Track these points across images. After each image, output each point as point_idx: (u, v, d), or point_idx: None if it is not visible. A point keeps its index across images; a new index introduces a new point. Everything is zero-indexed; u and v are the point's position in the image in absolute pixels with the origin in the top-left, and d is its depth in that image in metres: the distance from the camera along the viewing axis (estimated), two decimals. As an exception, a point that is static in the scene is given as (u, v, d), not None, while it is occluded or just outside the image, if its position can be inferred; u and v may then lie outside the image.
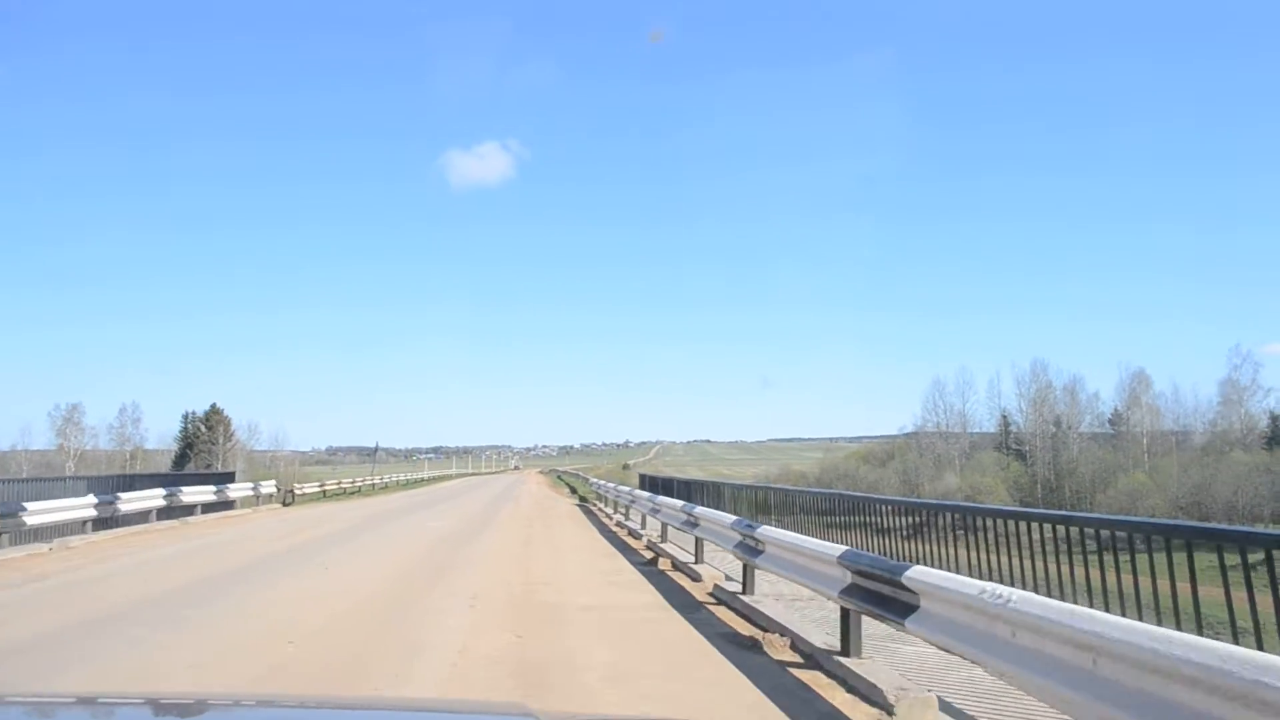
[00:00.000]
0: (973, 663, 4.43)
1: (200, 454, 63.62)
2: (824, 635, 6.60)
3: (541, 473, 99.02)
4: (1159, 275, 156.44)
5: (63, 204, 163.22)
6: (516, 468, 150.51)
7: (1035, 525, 5.18)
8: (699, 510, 11.22)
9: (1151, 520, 6.20)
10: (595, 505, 28.23)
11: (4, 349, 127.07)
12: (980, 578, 6.03)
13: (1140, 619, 3.71)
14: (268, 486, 29.02)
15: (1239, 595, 3.51)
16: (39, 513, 14.32)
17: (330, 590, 9.74)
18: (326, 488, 39.38)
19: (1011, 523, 5.48)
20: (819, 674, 5.85)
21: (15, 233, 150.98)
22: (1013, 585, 5.34)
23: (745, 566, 8.77)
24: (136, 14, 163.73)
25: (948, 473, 63.00)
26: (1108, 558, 4.48)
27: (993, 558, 5.66)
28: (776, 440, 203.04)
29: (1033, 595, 3.68)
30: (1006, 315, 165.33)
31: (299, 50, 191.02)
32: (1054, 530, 5.00)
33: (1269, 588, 3.33)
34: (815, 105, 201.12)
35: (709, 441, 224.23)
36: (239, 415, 76.67)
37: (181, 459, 63.97)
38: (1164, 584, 3.87)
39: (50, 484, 16.99)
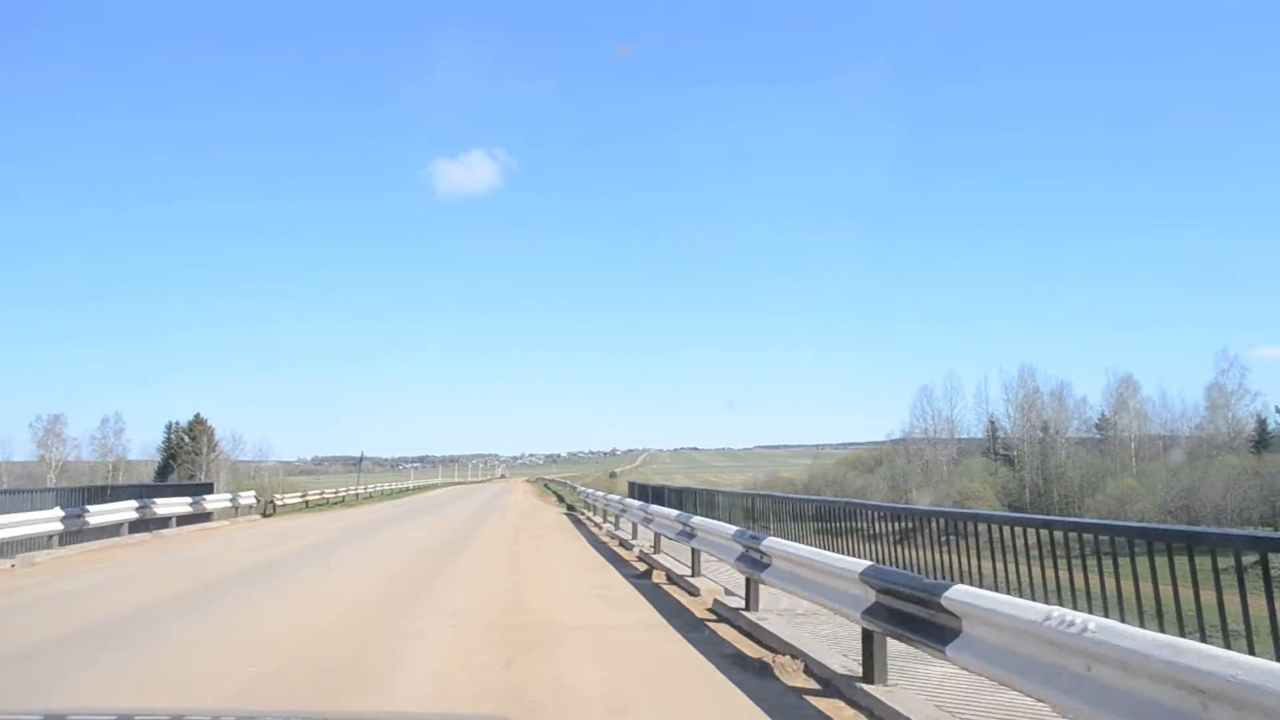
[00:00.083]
0: (1036, 700, 3.85)
1: (184, 465, 62.72)
2: (841, 657, 6.02)
3: (528, 481, 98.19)
4: (1146, 281, 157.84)
5: (45, 216, 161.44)
6: (503, 476, 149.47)
7: (1029, 530, 4.90)
8: (696, 520, 10.61)
9: (1152, 525, 6.00)
10: (584, 514, 27.54)
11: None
12: (973, 584, 5.68)
13: (1141, 624, 3.57)
14: (247, 497, 28.16)
15: (1230, 598, 3.34)
16: (1, 527, 13.61)
17: (299, 611, 9.07)
18: (309, 498, 38.50)
19: (1005, 528, 5.20)
20: (840, 703, 5.26)
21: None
22: (1009, 590, 5.09)
23: (748, 581, 8.18)
24: (120, 26, 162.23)
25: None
26: (1106, 563, 4.29)
27: (984, 563, 5.37)
28: (763, 448, 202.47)
29: (1115, 624, 3.11)
30: (993, 321, 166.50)
31: (283, 60, 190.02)
32: (1051, 535, 4.74)
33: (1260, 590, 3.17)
34: (804, 113, 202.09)
35: (696, 449, 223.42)
36: (224, 426, 75.46)
37: (165, 470, 63.03)
38: (1164, 588, 3.64)
39: (15, 496, 16.20)
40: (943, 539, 6.32)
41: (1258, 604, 3.26)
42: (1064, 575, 4.49)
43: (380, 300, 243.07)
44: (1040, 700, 3.75)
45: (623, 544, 16.56)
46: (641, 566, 12.66)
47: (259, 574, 12.21)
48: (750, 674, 6.01)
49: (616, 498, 21.34)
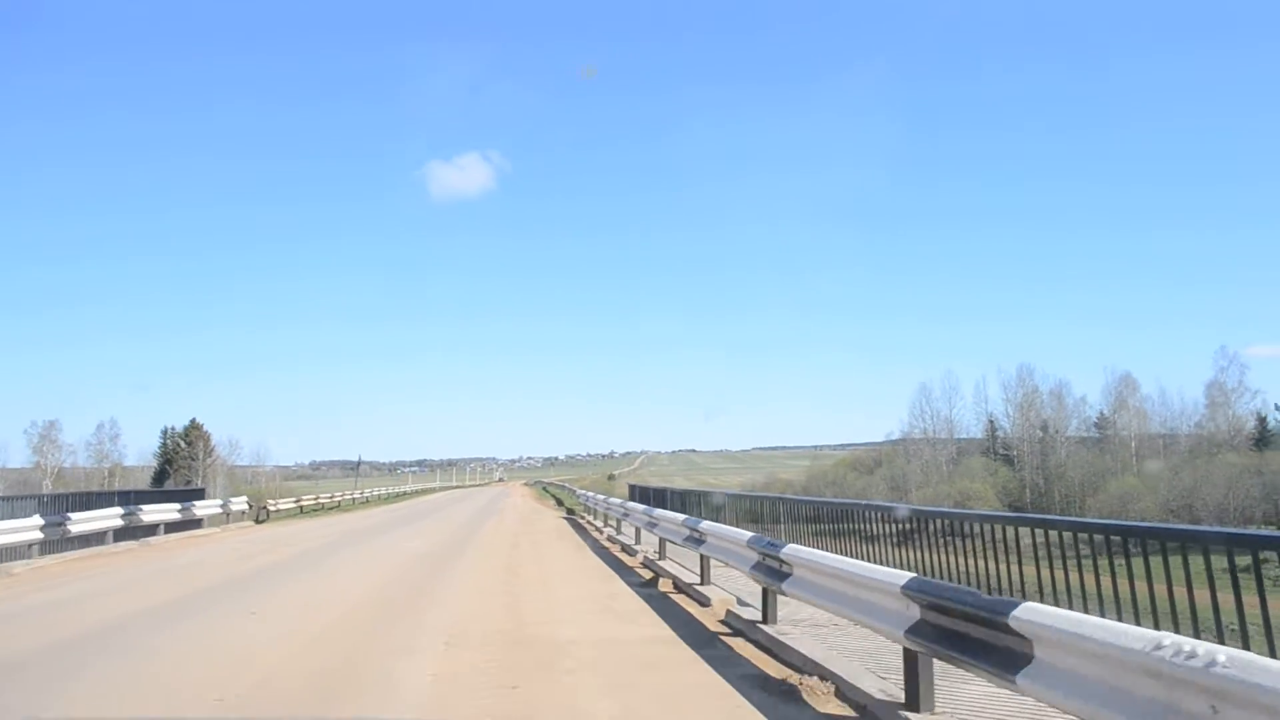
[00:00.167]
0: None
1: (180, 470, 62.15)
2: (877, 679, 5.44)
3: (526, 484, 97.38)
4: (1144, 279, 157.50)
5: (40, 221, 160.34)
6: (501, 480, 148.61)
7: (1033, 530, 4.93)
8: (705, 525, 10.04)
9: (1158, 525, 5.87)
10: (584, 518, 26.90)
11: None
12: (969, 584, 5.37)
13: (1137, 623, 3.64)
14: (238, 503, 27.47)
15: (1225, 597, 3.40)
16: (-26, 537, 13.06)
17: (282, 626, 8.48)
18: (304, 503, 37.79)
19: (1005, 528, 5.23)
20: (882, 734, 4.70)
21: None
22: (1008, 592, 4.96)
23: (765, 591, 7.61)
24: (114, 31, 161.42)
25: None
26: (1101, 562, 4.29)
27: (982, 563, 5.39)
28: (762, 449, 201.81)
29: (1253, 657, 2.56)
30: (992, 321, 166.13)
31: (277, 65, 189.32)
32: (1059, 536, 4.72)
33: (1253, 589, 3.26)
34: (803, 114, 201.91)
35: (694, 451, 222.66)
36: (220, 431, 75.02)
37: (161, 475, 62.47)
38: (1162, 587, 3.76)
39: (-6, 504, 15.61)
40: (946, 539, 6.17)
41: (1276, 605, 3.32)
42: (1073, 577, 4.45)
43: (376, 303, 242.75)
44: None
45: (625, 549, 15.97)
46: (647, 574, 12.08)
47: (241, 587, 11.60)
48: (776, 698, 5.42)
49: (618, 501, 20.74)
